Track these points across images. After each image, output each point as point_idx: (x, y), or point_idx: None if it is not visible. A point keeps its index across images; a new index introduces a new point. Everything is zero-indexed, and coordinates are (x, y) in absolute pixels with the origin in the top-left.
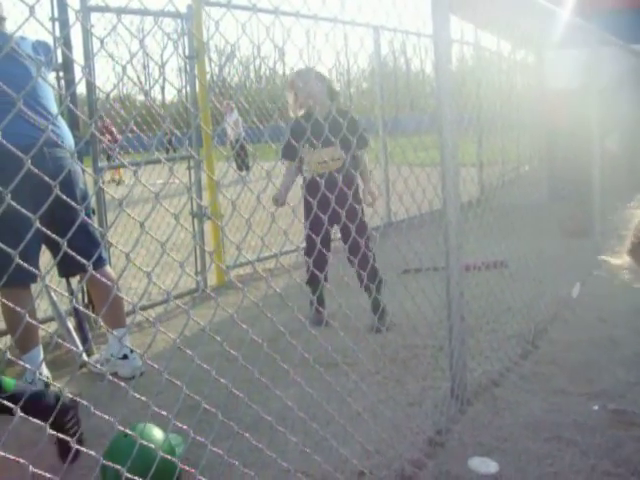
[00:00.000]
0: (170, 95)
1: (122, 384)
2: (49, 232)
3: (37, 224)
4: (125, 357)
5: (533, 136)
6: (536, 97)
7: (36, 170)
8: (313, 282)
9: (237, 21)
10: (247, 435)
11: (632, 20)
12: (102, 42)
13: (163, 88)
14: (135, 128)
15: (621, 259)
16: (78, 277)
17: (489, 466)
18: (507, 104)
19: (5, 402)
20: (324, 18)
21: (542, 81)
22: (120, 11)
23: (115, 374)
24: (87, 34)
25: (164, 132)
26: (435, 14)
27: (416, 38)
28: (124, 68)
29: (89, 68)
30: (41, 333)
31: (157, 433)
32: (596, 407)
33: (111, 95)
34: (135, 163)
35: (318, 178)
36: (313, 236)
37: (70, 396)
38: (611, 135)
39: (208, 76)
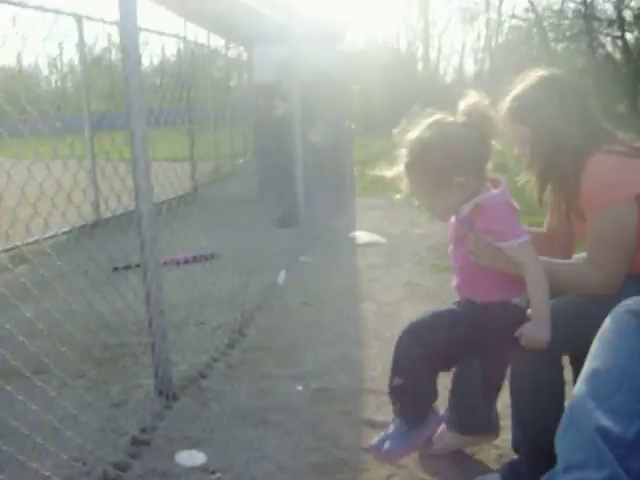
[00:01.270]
0: None
1: None
2: None
3: None
4: None
5: (246, 129)
6: (245, 91)
7: None
8: None
9: None
10: None
11: None
12: None
13: None
14: None
15: (395, 171)
16: None
17: (196, 458)
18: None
19: None
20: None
21: (250, 76)
22: None
23: None
24: None
25: None
26: (122, 1)
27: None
28: None
29: None
30: None
31: None
32: (300, 387)
33: None
34: None
35: None
36: None
37: None
38: (314, 128)
39: None
